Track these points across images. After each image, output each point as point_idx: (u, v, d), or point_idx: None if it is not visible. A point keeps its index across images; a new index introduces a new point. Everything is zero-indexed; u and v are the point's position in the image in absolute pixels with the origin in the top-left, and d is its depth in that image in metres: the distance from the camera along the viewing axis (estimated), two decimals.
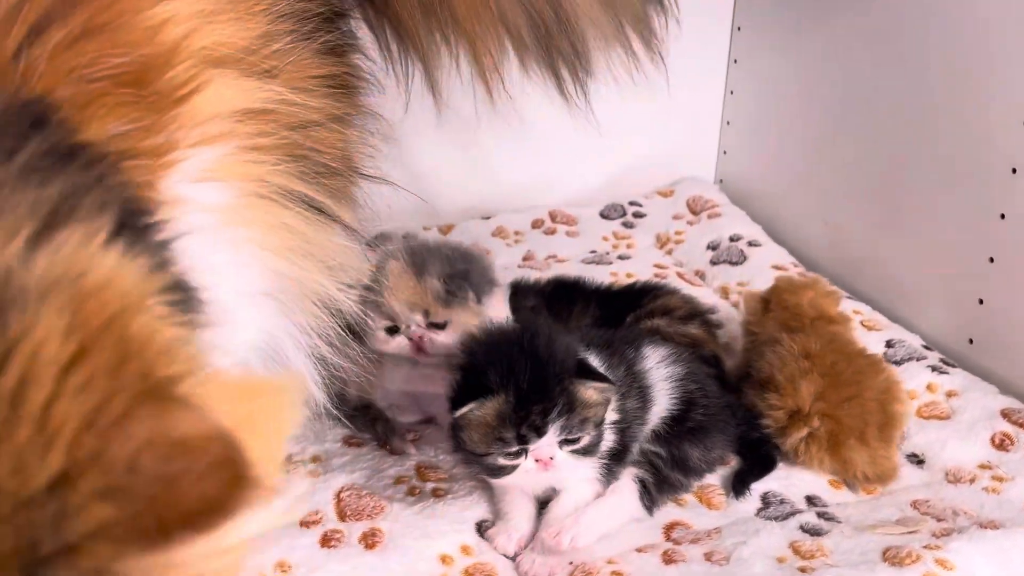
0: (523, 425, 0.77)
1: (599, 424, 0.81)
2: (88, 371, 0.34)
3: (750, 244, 1.35)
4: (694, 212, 1.46)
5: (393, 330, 0.94)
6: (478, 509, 0.87)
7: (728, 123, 1.53)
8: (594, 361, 0.84)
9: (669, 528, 0.87)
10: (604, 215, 1.46)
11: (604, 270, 1.29)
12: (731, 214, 1.44)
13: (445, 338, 0.93)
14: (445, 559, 0.81)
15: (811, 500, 0.91)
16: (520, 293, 1.07)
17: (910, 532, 0.83)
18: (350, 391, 0.95)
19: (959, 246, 1.11)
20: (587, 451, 0.81)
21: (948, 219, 1.12)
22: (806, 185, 1.38)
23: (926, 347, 1.11)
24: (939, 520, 0.85)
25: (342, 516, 0.85)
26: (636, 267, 1.32)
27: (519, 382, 0.77)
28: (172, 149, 0.53)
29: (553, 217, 1.44)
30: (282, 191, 0.61)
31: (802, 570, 0.78)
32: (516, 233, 1.42)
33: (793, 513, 0.88)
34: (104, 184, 0.44)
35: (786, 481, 0.92)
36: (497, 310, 0.98)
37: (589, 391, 0.79)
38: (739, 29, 1.47)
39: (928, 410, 1.01)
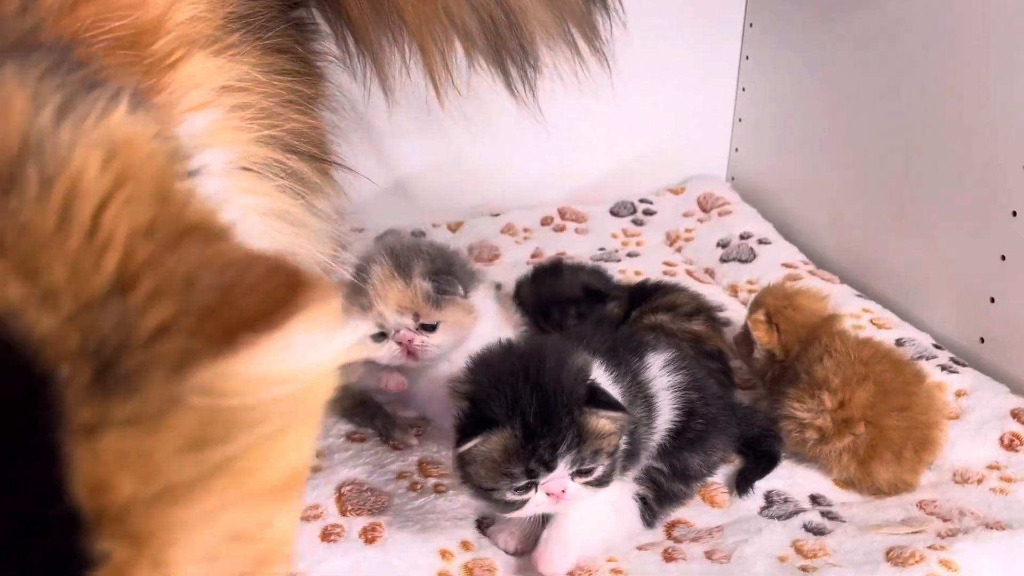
0: (531, 460, 0.72)
1: (613, 453, 0.76)
2: (130, 193, 0.35)
3: (760, 242, 1.34)
4: (705, 210, 1.45)
5: (380, 336, 0.90)
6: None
7: (740, 120, 1.52)
8: (602, 375, 0.80)
9: (671, 526, 0.86)
10: (614, 212, 1.46)
11: (613, 268, 1.29)
12: (742, 212, 1.43)
13: (437, 339, 0.90)
14: (445, 554, 0.81)
15: (815, 499, 0.90)
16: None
17: (915, 532, 0.82)
18: (351, 379, 0.93)
19: (970, 244, 1.09)
20: (601, 482, 0.76)
21: (959, 217, 1.11)
22: (817, 182, 1.37)
23: (936, 346, 1.10)
24: (945, 520, 0.84)
25: (343, 511, 0.85)
26: (645, 265, 1.32)
27: (525, 414, 0.72)
28: (170, 113, 0.53)
29: (562, 214, 1.44)
30: (265, 161, 0.61)
31: (803, 569, 0.77)
32: (525, 230, 1.41)
33: (797, 512, 0.87)
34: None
35: (790, 480, 0.92)
36: (483, 307, 0.96)
37: (601, 421, 0.74)
38: (751, 25, 1.46)
39: None
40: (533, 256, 1.36)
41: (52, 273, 0.33)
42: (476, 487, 0.76)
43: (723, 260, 1.33)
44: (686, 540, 0.84)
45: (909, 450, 0.88)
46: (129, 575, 0.33)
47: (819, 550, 0.80)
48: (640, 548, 0.83)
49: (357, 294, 0.88)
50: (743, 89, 1.50)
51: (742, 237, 1.35)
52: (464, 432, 0.75)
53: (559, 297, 1.08)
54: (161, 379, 0.32)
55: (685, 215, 1.44)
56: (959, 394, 1.01)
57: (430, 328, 0.90)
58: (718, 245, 1.36)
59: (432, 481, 0.90)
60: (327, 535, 0.82)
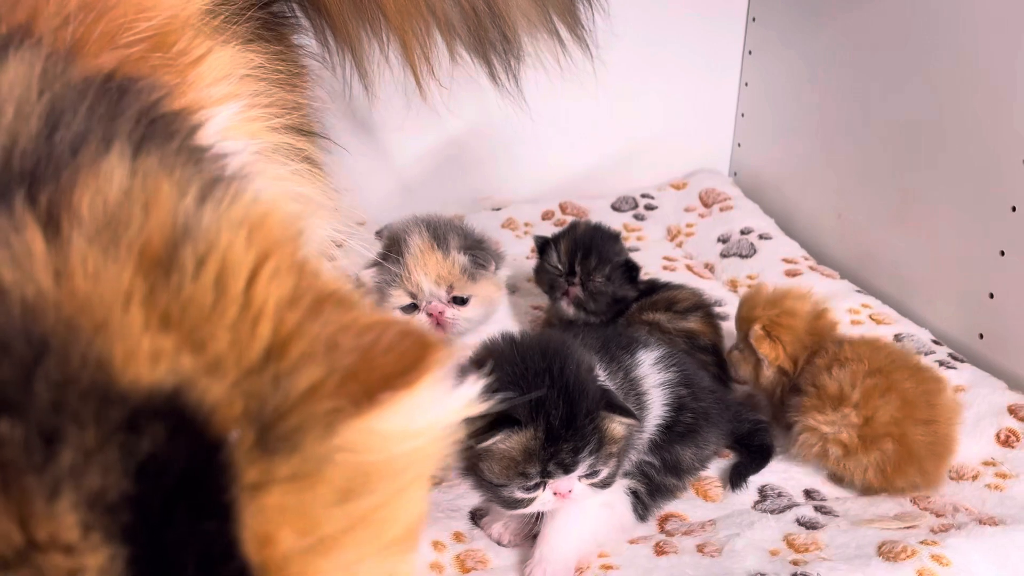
0: (551, 462, 0.72)
1: (619, 455, 0.77)
2: (274, 267, 0.38)
3: (761, 237, 1.34)
4: (706, 205, 1.45)
5: (411, 308, 0.91)
6: (472, 497, 0.86)
7: (743, 115, 1.51)
8: (599, 373, 0.79)
9: (663, 520, 0.86)
10: (615, 207, 1.46)
11: None
12: (743, 207, 1.42)
13: (467, 312, 0.91)
14: (437, 545, 0.81)
15: (809, 494, 0.90)
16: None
17: (907, 527, 0.81)
18: None
19: (970, 240, 1.09)
20: (606, 483, 0.77)
21: (959, 212, 1.10)
22: (819, 178, 1.36)
23: (935, 341, 1.10)
24: (938, 516, 0.84)
25: None
26: (645, 259, 1.31)
27: (550, 417, 0.71)
28: (198, 110, 0.54)
29: (563, 209, 1.44)
30: (281, 146, 0.63)
31: (794, 563, 0.77)
32: (526, 224, 1.41)
33: (790, 506, 0.87)
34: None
35: (784, 475, 0.92)
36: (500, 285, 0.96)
37: (616, 426, 0.75)
38: (754, 20, 1.45)
39: None
40: (533, 250, 1.35)
41: (216, 344, 0.35)
42: (482, 480, 0.76)
43: (723, 255, 1.33)
44: (678, 534, 0.84)
45: (932, 462, 0.87)
46: None
47: (811, 544, 0.80)
48: (632, 542, 0.83)
49: (388, 267, 0.90)
50: (746, 84, 1.49)
51: (743, 232, 1.35)
52: (483, 427, 0.72)
53: (601, 253, 1.05)
54: (315, 437, 0.35)
55: (686, 210, 1.44)
56: (957, 390, 1.00)
57: (460, 302, 0.92)
58: (718, 240, 1.36)
59: None
60: None
